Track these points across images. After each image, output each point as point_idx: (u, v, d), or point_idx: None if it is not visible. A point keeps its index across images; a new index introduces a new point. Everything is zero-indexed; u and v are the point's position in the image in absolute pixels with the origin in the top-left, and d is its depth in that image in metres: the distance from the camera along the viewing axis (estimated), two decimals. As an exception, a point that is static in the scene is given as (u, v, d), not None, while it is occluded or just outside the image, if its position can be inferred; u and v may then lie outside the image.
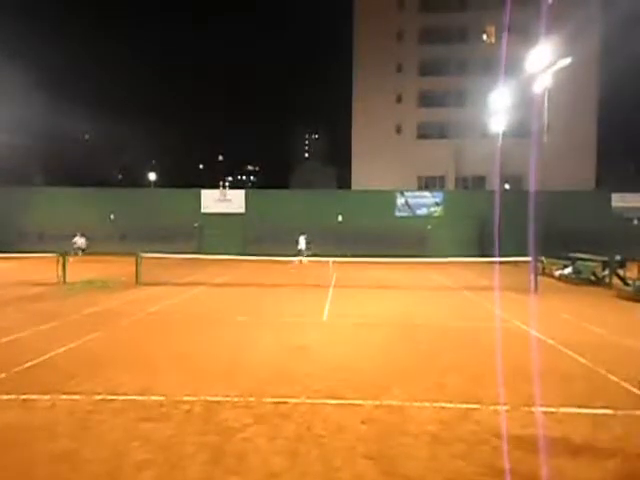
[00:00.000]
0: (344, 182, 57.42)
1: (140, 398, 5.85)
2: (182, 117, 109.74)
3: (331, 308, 12.59)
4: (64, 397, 5.86)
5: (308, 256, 25.12)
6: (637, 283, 14.81)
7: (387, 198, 33.56)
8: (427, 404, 5.75)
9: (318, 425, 5.12)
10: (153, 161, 70.32)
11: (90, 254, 28.12)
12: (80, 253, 28.53)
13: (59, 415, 5.34)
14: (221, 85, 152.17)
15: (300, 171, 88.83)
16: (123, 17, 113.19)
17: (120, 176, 76.83)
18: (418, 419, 5.32)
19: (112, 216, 33.11)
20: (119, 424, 5.11)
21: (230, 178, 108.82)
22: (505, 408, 5.61)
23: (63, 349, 8.04)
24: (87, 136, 76.66)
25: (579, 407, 5.63)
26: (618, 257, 18.07)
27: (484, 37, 48.17)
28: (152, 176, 52.89)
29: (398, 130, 48.97)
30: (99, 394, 5.95)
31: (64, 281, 16.71)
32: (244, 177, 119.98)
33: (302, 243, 27.34)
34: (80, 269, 20.09)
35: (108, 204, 33.41)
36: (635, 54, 44.14)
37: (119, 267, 21.28)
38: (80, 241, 29.34)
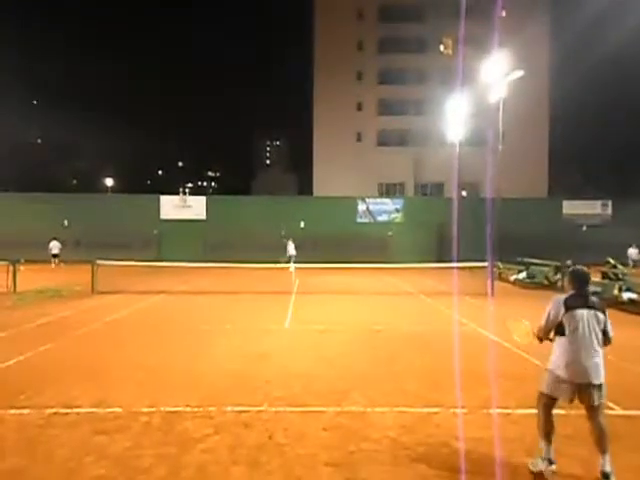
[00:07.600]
0: (306, 189, 57.58)
1: (95, 410, 5.65)
2: (141, 122, 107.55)
3: (293, 315, 12.55)
4: (13, 412, 5.59)
5: (295, 262, 23.79)
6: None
7: (348, 204, 33.86)
8: (388, 409, 5.80)
9: (280, 433, 5.08)
10: (110, 166, 68.63)
11: (40, 262, 27.01)
12: (56, 260, 27.40)
13: (7, 431, 5.09)
14: (182, 89, 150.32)
15: (262, 177, 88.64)
16: (78, 14, 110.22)
17: (75, 181, 74.38)
18: (379, 424, 5.35)
19: (66, 222, 32.00)
20: (72, 438, 4.91)
21: (190, 184, 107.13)
22: (464, 411, 5.72)
23: (12, 362, 7.69)
24: (39, 140, 74.04)
25: (533, 408, 5.79)
26: (569, 262, 18.76)
27: (441, 48, 49.41)
28: (109, 182, 51.38)
29: (359, 137, 49.58)
30: (51, 408, 5.70)
31: (14, 290, 16.00)
32: (205, 183, 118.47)
33: (291, 249, 26.56)
34: (32, 277, 19.29)
35: (61, 210, 32.27)
36: (582, 69, 46.32)
37: (73, 275, 20.56)
38: (56, 246, 28.05)
